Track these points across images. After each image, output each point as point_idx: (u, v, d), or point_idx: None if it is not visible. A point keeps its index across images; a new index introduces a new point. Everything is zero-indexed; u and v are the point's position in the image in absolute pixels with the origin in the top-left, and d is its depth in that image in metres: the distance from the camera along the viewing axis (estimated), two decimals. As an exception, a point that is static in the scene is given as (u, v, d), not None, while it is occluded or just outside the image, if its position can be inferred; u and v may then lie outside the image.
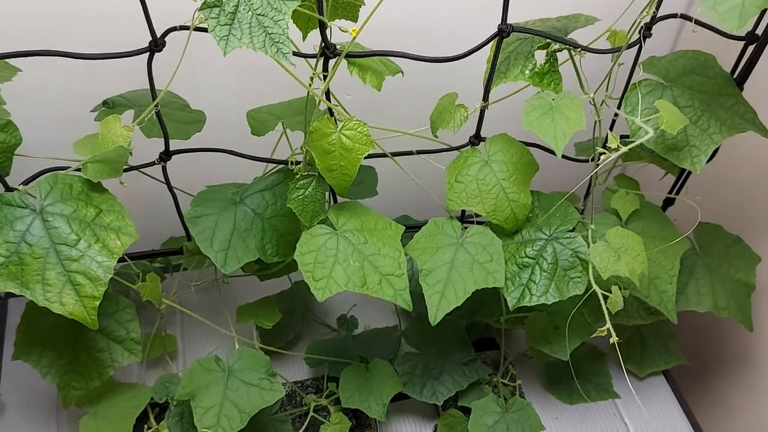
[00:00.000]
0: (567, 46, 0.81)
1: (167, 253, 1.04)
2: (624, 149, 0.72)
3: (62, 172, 0.80)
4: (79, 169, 0.80)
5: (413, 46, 0.87)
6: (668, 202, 1.10)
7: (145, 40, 0.73)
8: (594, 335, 0.84)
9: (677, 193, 1.05)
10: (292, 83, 0.75)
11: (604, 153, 0.74)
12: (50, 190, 0.78)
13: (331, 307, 1.23)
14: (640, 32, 0.79)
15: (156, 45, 0.71)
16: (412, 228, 0.97)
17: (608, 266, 0.85)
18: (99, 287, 0.77)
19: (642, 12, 0.79)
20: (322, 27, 0.73)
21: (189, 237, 0.93)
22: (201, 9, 0.62)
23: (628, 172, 1.23)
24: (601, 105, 0.86)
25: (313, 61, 0.78)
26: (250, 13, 0.63)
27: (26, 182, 0.81)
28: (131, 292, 0.96)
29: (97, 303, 0.77)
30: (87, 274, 0.77)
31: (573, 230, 0.92)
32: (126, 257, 0.98)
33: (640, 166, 1.07)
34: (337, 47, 0.76)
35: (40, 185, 0.78)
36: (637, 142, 0.74)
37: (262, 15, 0.64)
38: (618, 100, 0.87)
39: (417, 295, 0.88)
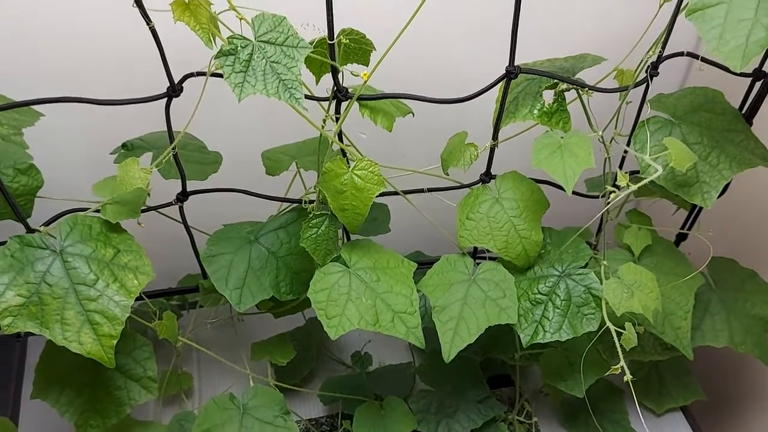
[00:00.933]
0: (575, 86, 0.82)
1: (184, 291, 1.06)
2: (633, 188, 0.73)
3: (82, 213, 0.82)
4: (98, 210, 0.82)
5: (424, 86, 0.89)
6: (681, 237, 1.10)
7: (164, 82, 0.75)
8: (608, 373, 0.83)
9: (689, 228, 1.05)
10: (306, 123, 0.77)
11: (614, 191, 0.74)
12: (70, 231, 0.80)
13: (345, 343, 1.23)
14: (647, 71, 0.81)
15: (174, 90, 0.74)
16: (424, 264, 0.98)
17: (622, 303, 0.85)
18: (116, 326, 0.78)
19: (648, 51, 0.81)
20: (335, 72, 0.75)
21: (205, 275, 0.95)
22: (217, 57, 0.64)
23: (640, 206, 1.23)
24: (610, 142, 0.87)
25: (326, 103, 0.80)
26: (264, 60, 0.66)
27: (47, 223, 0.83)
28: (148, 330, 0.97)
29: (115, 342, 0.78)
30: (105, 314, 0.78)
31: (585, 266, 0.93)
32: (143, 295, 0.99)
33: (652, 201, 1.07)
34: (349, 90, 0.78)
35: (61, 226, 0.80)
36: (647, 180, 0.75)
37: (276, 62, 0.66)
38: (627, 137, 0.88)
39: (431, 331, 0.88)
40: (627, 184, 0.74)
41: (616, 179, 0.76)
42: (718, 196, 0.88)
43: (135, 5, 0.64)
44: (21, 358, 1.16)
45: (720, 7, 0.69)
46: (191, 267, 1.06)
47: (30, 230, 0.80)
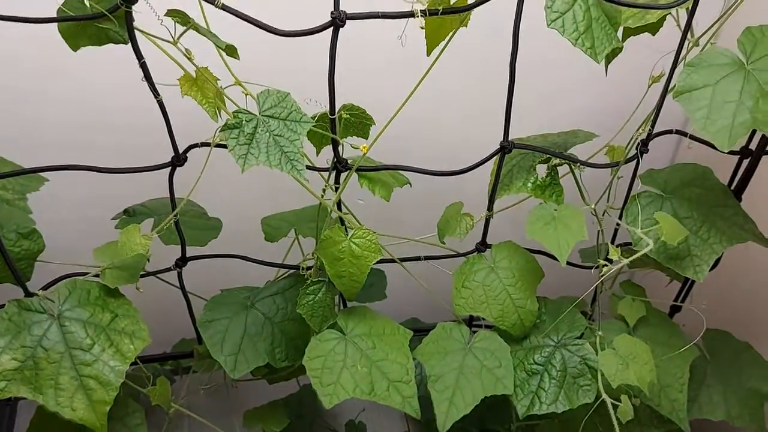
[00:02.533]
0: (567, 161, 0.85)
1: (178, 357, 1.06)
2: (625, 261, 0.74)
3: (81, 277, 0.83)
4: (97, 275, 0.83)
5: (421, 156, 0.91)
6: (675, 309, 1.10)
7: (168, 148, 0.77)
8: (604, 446, 0.83)
9: (683, 300, 1.06)
10: (305, 190, 0.79)
11: (607, 265, 0.76)
12: (68, 295, 0.80)
13: (339, 411, 1.22)
14: (637, 148, 0.83)
15: (178, 160, 0.76)
16: (420, 332, 0.98)
17: (617, 374, 0.85)
18: (110, 392, 0.78)
19: (639, 129, 0.83)
20: (335, 144, 0.77)
21: (200, 340, 0.95)
22: (222, 130, 0.66)
23: (634, 277, 1.25)
24: (603, 215, 0.88)
25: (326, 173, 0.82)
26: (267, 134, 0.68)
27: (46, 287, 0.83)
28: (141, 395, 0.96)
29: (108, 408, 0.77)
30: (99, 379, 0.78)
31: (581, 337, 0.93)
32: (137, 360, 0.98)
33: (646, 272, 1.08)
34: (348, 161, 0.80)
35: (59, 290, 0.81)
36: (639, 254, 0.76)
37: (279, 135, 0.68)
38: (619, 210, 0.90)
39: (426, 399, 0.88)
40: (619, 258, 0.75)
41: (608, 252, 0.78)
42: (710, 270, 0.89)
43: (144, 80, 0.67)
44: (10, 423, 1.14)
45: (706, 89, 0.72)
46: (187, 331, 1.06)
47: (28, 294, 0.81)
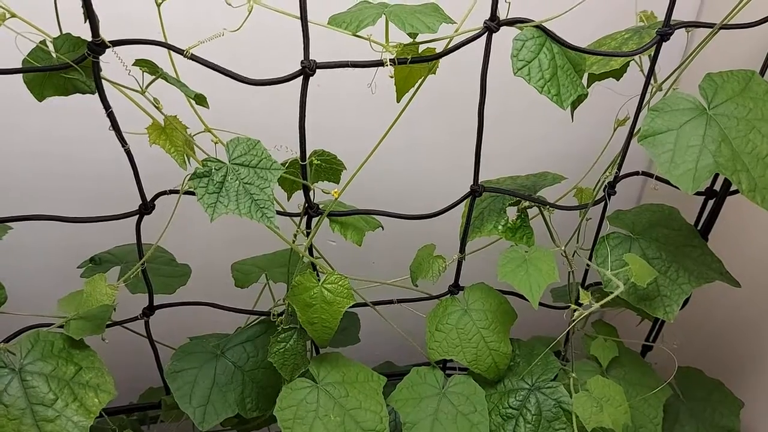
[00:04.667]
0: (536, 204, 0.86)
1: (145, 408, 1.02)
2: (596, 306, 0.75)
3: (45, 329, 0.80)
4: (62, 326, 0.80)
5: (393, 200, 0.91)
6: (647, 347, 1.11)
7: (136, 196, 0.76)
8: (582, 491, 0.82)
9: (654, 340, 1.07)
10: (275, 235, 0.78)
11: (578, 309, 0.76)
12: (31, 348, 0.78)
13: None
14: (604, 190, 0.84)
15: (146, 208, 0.75)
16: (395, 376, 0.97)
17: (592, 417, 0.85)
18: (73, 449, 0.75)
19: (605, 172, 0.85)
20: (306, 190, 0.77)
21: (168, 391, 0.92)
22: (191, 179, 0.65)
23: (606, 316, 1.25)
24: (573, 256, 0.89)
25: (297, 218, 0.82)
26: (237, 182, 0.67)
27: (7, 339, 0.81)
28: (106, 449, 0.93)
29: (70, 466, 0.75)
30: (61, 436, 0.75)
31: (555, 378, 0.93)
32: (102, 413, 0.95)
33: (617, 312, 1.09)
34: (320, 206, 0.80)
35: (22, 343, 0.78)
36: (610, 297, 0.77)
37: (249, 183, 0.68)
38: (589, 251, 0.91)
39: (401, 447, 0.86)
40: (590, 302, 0.75)
41: (579, 296, 0.78)
42: (680, 309, 0.90)
43: (111, 128, 0.66)
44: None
45: (670, 134, 0.74)
46: (154, 379, 1.03)
47: (-11, 347, 0.78)
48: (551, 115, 0.72)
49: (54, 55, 0.62)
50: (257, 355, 0.90)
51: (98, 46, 0.60)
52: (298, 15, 0.63)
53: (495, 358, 0.91)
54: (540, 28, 0.69)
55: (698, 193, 0.94)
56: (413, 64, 0.70)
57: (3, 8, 0.59)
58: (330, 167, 0.79)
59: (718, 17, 0.76)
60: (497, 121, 1.08)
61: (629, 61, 0.80)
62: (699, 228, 0.96)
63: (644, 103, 0.79)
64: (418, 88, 0.76)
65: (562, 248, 0.87)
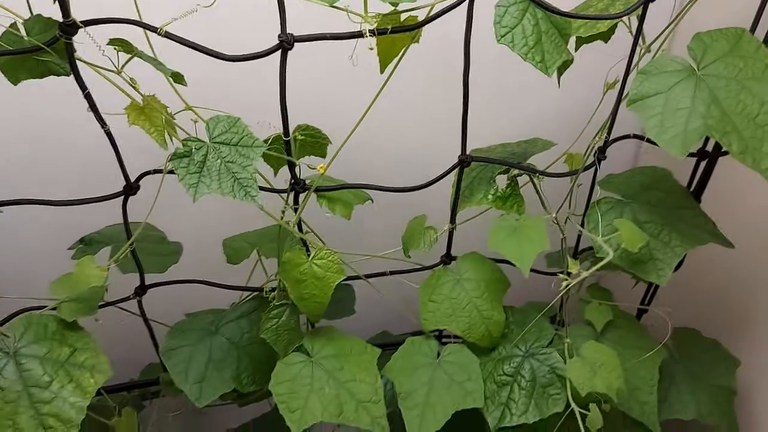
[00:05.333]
0: (526, 172, 0.85)
1: (144, 385, 1.03)
2: (585, 274, 0.74)
3: (37, 312, 0.80)
4: (54, 308, 0.81)
5: (383, 170, 0.90)
6: (643, 310, 1.11)
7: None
8: (576, 456, 0.83)
9: (649, 302, 1.07)
10: (268, 209, 0.77)
11: (566, 279, 0.75)
12: (24, 331, 0.78)
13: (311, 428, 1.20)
14: (594, 155, 0.83)
15: (130, 188, 0.74)
16: (390, 346, 0.97)
17: (585, 383, 0.85)
18: (72, 429, 0.76)
19: (595, 137, 0.84)
20: (291, 166, 0.76)
21: (165, 368, 0.93)
22: (171, 160, 0.65)
23: (603, 279, 1.25)
24: (565, 223, 0.88)
25: (285, 193, 0.81)
26: (219, 161, 0.67)
27: (1, 323, 0.81)
28: (108, 427, 0.94)
29: (69, 445, 0.76)
30: (59, 417, 0.76)
31: (550, 344, 0.93)
32: (101, 391, 0.96)
33: (614, 274, 1.08)
34: (307, 182, 0.79)
35: (15, 326, 0.78)
36: (599, 265, 0.76)
37: (231, 162, 0.67)
38: (581, 217, 0.90)
39: (397, 415, 0.87)
40: (578, 271, 0.75)
41: (568, 267, 0.78)
42: (674, 271, 0.89)
43: (90, 110, 0.65)
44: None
45: (658, 97, 0.72)
46: (154, 355, 1.04)
47: (-18, 332, 0.78)
48: (543, 79, 0.70)
49: (26, 37, 0.60)
50: (252, 330, 0.91)
51: (70, 26, 0.59)
52: (273, -13, 0.61)
53: (488, 326, 0.91)
54: (522, -8, 0.67)
55: (690, 155, 0.92)
56: (395, 34, 0.68)
57: (-30, -9, 0.58)
58: (315, 142, 0.78)
59: (708, -26, 0.74)
60: (489, 90, 1.07)
61: (616, 23, 0.78)
62: (692, 190, 0.95)
63: (633, 66, 0.77)
64: (401, 57, 0.74)
65: (553, 215, 0.86)
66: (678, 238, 0.89)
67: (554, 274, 0.99)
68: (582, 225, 0.88)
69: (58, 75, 0.64)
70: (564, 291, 0.79)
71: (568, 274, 0.76)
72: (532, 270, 0.81)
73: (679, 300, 1.02)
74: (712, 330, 1.10)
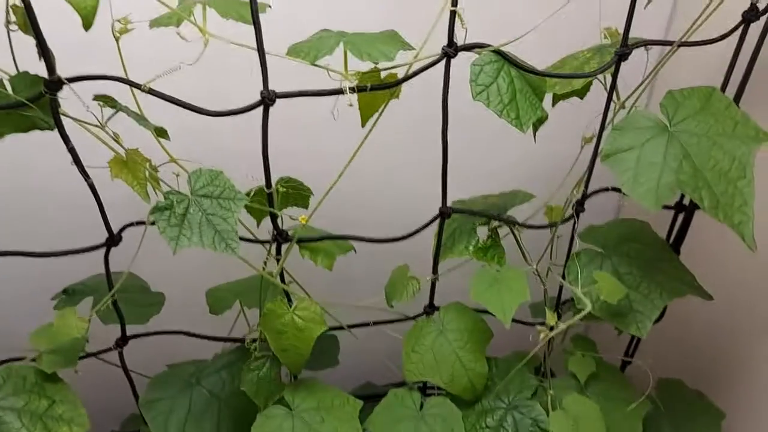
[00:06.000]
0: (507, 223, 0.86)
1: (124, 436, 1.02)
2: (563, 326, 0.75)
3: (17, 363, 0.80)
4: (34, 359, 0.80)
5: (366, 221, 0.91)
6: (627, 362, 1.11)
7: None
8: None
9: (632, 354, 1.07)
10: (252, 259, 0.78)
11: (543, 331, 0.76)
12: (3, 383, 0.77)
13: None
14: (573, 208, 0.85)
15: (113, 240, 0.75)
16: (373, 397, 0.97)
17: (567, 435, 0.84)
18: (47, 484, 0.75)
19: (573, 190, 0.85)
20: (273, 217, 0.77)
21: (145, 420, 0.92)
22: (152, 213, 0.66)
23: (589, 329, 1.25)
24: (546, 275, 0.89)
25: (268, 244, 0.82)
26: (200, 213, 0.67)
27: (-20, 374, 0.81)
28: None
29: (44, 502, 0.74)
30: (35, 471, 0.75)
31: (534, 395, 0.92)
32: (81, 443, 0.95)
33: (601, 323, 1.09)
34: (290, 233, 0.80)
35: (-7, 378, 0.78)
36: (579, 317, 0.77)
37: (212, 214, 0.68)
38: (562, 267, 0.91)
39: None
40: (556, 324, 0.76)
41: (546, 319, 0.79)
42: (655, 323, 0.90)
43: (73, 163, 0.66)
44: None
45: (632, 152, 0.74)
46: (135, 407, 1.03)
47: (-41, 384, 0.78)
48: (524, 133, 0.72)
49: (11, 92, 0.62)
50: (233, 382, 0.90)
51: (55, 83, 0.60)
52: (255, 47, 0.63)
53: (471, 377, 0.91)
54: (497, 52, 0.69)
55: (667, 207, 0.94)
56: (375, 91, 0.70)
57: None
58: (297, 193, 0.79)
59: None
60: (470, 141, 1.09)
61: (591, 81, 0.81)
62: (670, 242, 0.96)
63: (608, 121, 0.79)
64: (381, 113, 0.76)
65: (534, 267, 0.87)
66: (657, 291, 0.89)
67: (534, 324, 0.99)
68: (563, 276, 0.89)
69: (42, 129, 0.65)
70: (542, 343, 0.79)
71: (548, 327, 0.77)
72: (514, 320, 0.82)
73: (664, 351, 1.02)
74: (697, 381, 1.10)
